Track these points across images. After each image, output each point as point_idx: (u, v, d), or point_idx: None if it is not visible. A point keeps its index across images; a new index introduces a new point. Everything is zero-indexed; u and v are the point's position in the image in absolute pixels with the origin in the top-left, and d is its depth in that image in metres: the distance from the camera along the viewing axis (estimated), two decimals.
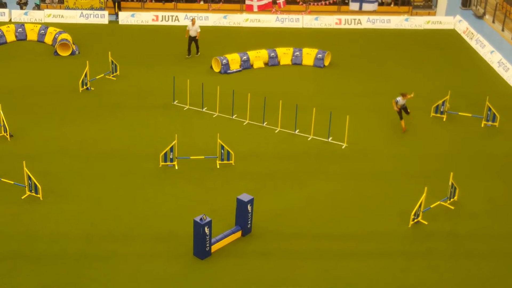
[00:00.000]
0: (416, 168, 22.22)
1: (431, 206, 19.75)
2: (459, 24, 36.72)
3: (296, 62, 31.16)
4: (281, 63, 31.13)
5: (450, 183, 19.90)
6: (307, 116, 24.15)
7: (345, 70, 30.71)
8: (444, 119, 25.68)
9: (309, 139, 23.95)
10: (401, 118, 24.33)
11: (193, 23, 30.38)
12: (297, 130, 24.38)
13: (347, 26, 36.81)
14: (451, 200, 20.14)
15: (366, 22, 36.89)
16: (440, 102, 25.75)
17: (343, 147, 23.43)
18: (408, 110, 24.32)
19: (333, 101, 26.88)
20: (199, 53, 31.26)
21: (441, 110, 25.73)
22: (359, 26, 36.91)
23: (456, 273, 17.20)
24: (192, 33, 30.59)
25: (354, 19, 36.88)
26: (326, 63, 31.04)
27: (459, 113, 25.89)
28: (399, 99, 23.93)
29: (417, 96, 25.23)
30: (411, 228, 18.91)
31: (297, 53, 31.12)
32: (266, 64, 30.93)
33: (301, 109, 24.53)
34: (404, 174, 21.82)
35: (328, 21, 36.79)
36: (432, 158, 22.88)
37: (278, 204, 19.87)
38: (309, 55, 31.03)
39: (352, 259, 17.58)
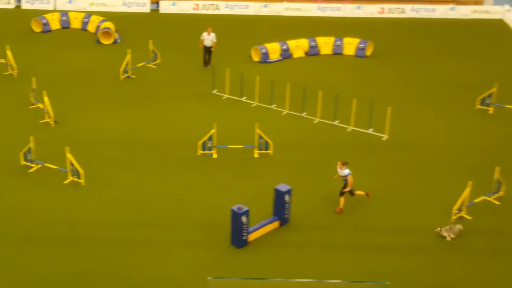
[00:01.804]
0: (460, 161, 21.75)
1: (475, 200, 19.30)
2: (508, 13, 35.72)
3: (337, 52, 30.82)
4: (322, 52, 30.81)
5: (495, 178, 19.40)
6: (347, 107, 23.86)
7: (387, 60, 30.24)
8: (491, 112, 25.08)
9: (348, 130, 23.68)
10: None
11: (209, 32, 27.68)
12: (337, 121, 24.12)
13: (390, 15, 36.22)
14: (497, 195, 19.63)
15: (410, 11, 36.23)
16: (486, 94, 25.13)
17: (383, 138, 23.09)
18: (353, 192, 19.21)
19: (375, 92, 26.51)
20: (209, 66, 28.02)
21: (487, 102, 25.09)
22: (402, 15, 36.27)
23: (499, 271, 16.77)
24: (207, 43, 27.78)
25: (398, 8, 36.25)
26: (368, 53, 30.61)
27: (506, 106, 25.24)
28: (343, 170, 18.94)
29: (463, 87, 24.65)
30: (454, 223, 18.51)
31: (338, 42, 30.76)
32: (306, 53, 30.66)
33: (341, 100, 24.24)
34: (447, 167, 21.39)
35: (370, 10, 36.25)
36: (476, 152, 22.37)
37: (316, 195, 19.70)
38: (350, 45, 30.65)
39: (390, 253, 17.32)
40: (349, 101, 23.95)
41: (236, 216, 16.98)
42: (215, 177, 20.57)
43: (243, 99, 25.79)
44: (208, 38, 27.70)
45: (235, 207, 17.07)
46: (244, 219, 16.97)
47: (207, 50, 27.92)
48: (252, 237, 17.49)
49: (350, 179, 18.64)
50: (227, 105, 25.45)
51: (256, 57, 29.77)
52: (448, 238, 17.70)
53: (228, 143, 22.17)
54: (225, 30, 31.11)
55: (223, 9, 35.92)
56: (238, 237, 17.20)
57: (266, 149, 21.87)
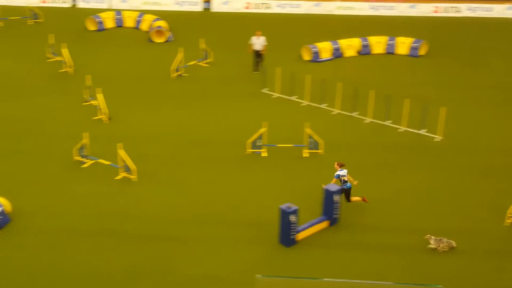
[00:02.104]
0: None
1: None
2: None
3: (390, 51, 30.42)
4: (374, 52, 30.47)
5: None
6: (400, 107, 23.50)
7: (441, 60, 29.68)
8: None
9: (400, 130, 23.32)
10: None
11: (258, 36, 27.10)
12: (389, 121, 23.78)
13: (445, 15, 35.56)
14: None
15: (466, 10, 35.48)
16: None
17: (436, 139, 22.64)
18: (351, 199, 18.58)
19: (428, 92, 26.05)
20: (259, 71, 27.25)
21: None
22: (458, 15, 35.57)
23: None
24: (257, 47, 27.15)
25: (453, 7, 35.54)
26: (422, 52, 30.11)
27: None
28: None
29: None
30: (508, 226, 18.01)
31: (391, 41, 30.36)
32: (358, 52, 30.35)
33: (394, 100, 23.90)
34: (501, 170, 20.83)
35: (424, 8, 35.67)
36: None
37: (366, 196, 19.43)
38: (403, 44, 30.20)
39: (442, 256, 16.95)
40: (401, 101, 23.58)
41: (285, 215, 16.90)
42: (264, 176, 20.54)
43: (294, 98, 25.70)
44: (258, 42, 27.16)
45: (284, 206, 17.00)
46: (293, 218, 16.88)
47: (257, 54, 27.37)
48: (300, 236, 17.39)
49: (334, 180, 18.02)
50: (277, 104, 25.41)
51: (307, 56, 29.63)
52: (433, 246, 16.98)
53: (277, 142, 22.11)
54: (276, 29, 31.10)
55: (275, 8, 35.92)
56: (286, 236, 17.12)
57: (316, 148, 21.72)
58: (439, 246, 17.05)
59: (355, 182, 18.34)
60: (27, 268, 16.31)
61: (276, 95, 25.97)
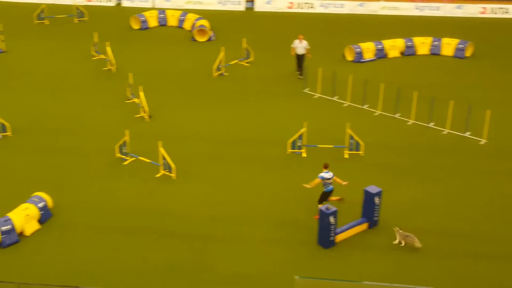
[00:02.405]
0: None
1: None
2: None
3: (435, 52, 29.88)
4: (418, 53, 29.97)
5: None
6: (444, 109, 23.04)
7: (488, 61, 29.01)
8: None
9: (444, 132, 22.86)
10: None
11: (300, 40, 26.46)
12: (432, 123, 23.34)
13: (492, 15, 34.75)
14: None
15: None
16: None
17: (481, 143, 22.12)
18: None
19: (473, 94, 25.48)
20: (302, 76, 26.64)
21: None
22: (506, 16, 34.71)
23: None
24: (300, 51, 26.53)
25: (501, 8, 34.71)
26: (468, 54, 29.48)
27: None
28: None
29: None
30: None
31: (436, 42, 29.82)
32: (402, 53, 29.91)
33: (438, 102, 23.43)
34: None
35: (471, 9, 34.92)
36: None
37: (408, 198, 19.12)
38: (449, 45, 29.63)
39: (484, 261, 16.54)
40: (445, 103, 23.11)
41: (324, 216, 16.74)
42: (304, 176, 20.33)
43: (335, 98, 25.45)
44: (300, 46, 26.55)
45: (323, 207, 16.85)
46: (332, 219, 16.70)
47: (300, 58, 26.76)
48: (339, 238, 17.19)
49: (317, 181, 17.66)
50: (319, 104, 25.20)
51: (349, 57, 29.33)
52: (396, 242, 16.88)
53: (318, 142, 21.92)
54: (319, 29, 30.88)
55: (318, 8, 35.67)
56: (325, 237, 16.95)
57: (357, 149, 21.45)
58: (402, 241, 16.91)
59: (344, 183, 17.98)
60: (67, 263, 16.53)
61: (317, 95, 25.77)
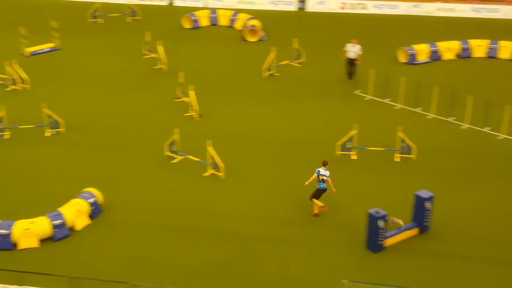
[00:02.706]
0: None
1: None
2: None
3: (491, 55, 29.12)
4: (474, 55, 29.25)
5: None
6: (500, 114, 22.37)
7: None
8: None
9: (500, 138, 22.20)
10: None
11: (353, 44, 26.01)
12: (488, 128, 22.69)
13: None
14: None
15: None
16: None
17: None
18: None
19: None
20: (354, 79, 26.44)
21: None
22: None
23: None
24: (351, 55, 26.05)
25: None
26: None
27: None
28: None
29: None
30: None
31: (493, 45, 29.04)
32: (457, 56, 29.23)
33: (494, 106, 22.78)
34: None
35: None
36: None
37: (460, 204, 18.62)
38: (507, 48, 28.86)
39: None
40: (501, 107, 22.45)
41: (373, 220, 16.43)
42: (353, 179, 20.08)
43: (387, 100, 25.03)
44: (352, 50, 26.02)
45: (372, 211, 16.54)
46: (381, 223, 16.37)
47: (351, 62, 26.32)
48: (388, 242, 16.85)
49: (314, 176, 17.85)
50: (370, 106, 24.83)
51: (402, 58, 28.83)
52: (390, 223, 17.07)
53: (368, 145, 21.58)
54: (371, 30, 30.45)
55: (371, 9, 35.21)
56: (374, 241, 16.63)
57: (408, 153, 21.01)
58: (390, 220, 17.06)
59: (333, 190, 17.95)
60: (115, 258, 16.67)
61: (368, 97, 25.39)
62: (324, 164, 18.01)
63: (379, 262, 16.45)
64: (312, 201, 18.13)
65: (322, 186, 17.96)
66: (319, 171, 17.87)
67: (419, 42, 29.32)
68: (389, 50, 29.68)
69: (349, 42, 26.34)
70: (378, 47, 30.17)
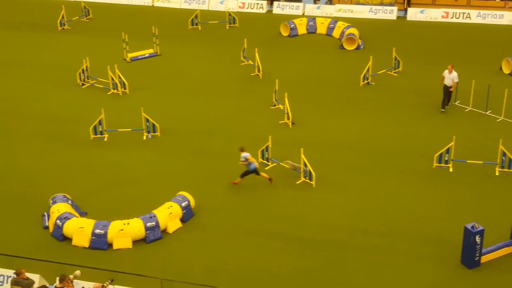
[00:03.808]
0: None
1: None
2: None
3: None
4: None
5: None
6: None
7: None
8: None
9: None
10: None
11: (450, 71, 24.22)
12: None
13: None
14: None
15: None
16: None
17: None
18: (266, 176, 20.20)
19: None
20: (448, 105, 24.78)
21: None
22: None
23: None
24: (448, 82, 24.26)
25: None
26: None
27: None
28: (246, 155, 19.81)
29: None
30: None
31: None
32: None
33: None
34: None
35: None
36: None
37: None
38: None
39: None
40: None
41: (469, 235, 15.80)
42: (450, 192, 19.39)
43: (488, 112, 24.03)
44: (449, 77, 24.23)
45: (469, 225, 15.92)
46: (478, 238, 15.71)
47: (447, 89, 24.45)
48: (485, 258, 16.12)
49: (250, 158, 19.49)
50: (470, 118, 23.92)
51: (507, 70, 27.60)
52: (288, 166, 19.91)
53: (467, 157, 20.79)
54: (474, 40, 29.36)
55: (475, 18, 33.94)
56: (469, 257, 15.98)
57: (510, 167, 20.05)
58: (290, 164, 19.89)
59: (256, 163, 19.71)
60: (205, 262, 16.91)
61: (468, 108, 24.47)
62: (242, 150, 19.67)
63: (474, 278, 15.81)
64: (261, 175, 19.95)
65: (251, 167, 19.64)
66: (245, 156, 19.52)
67: None
68: (493, 60, 28.50)
69: (446, 68, 24.85)
70: (482, 57, 29.05)
